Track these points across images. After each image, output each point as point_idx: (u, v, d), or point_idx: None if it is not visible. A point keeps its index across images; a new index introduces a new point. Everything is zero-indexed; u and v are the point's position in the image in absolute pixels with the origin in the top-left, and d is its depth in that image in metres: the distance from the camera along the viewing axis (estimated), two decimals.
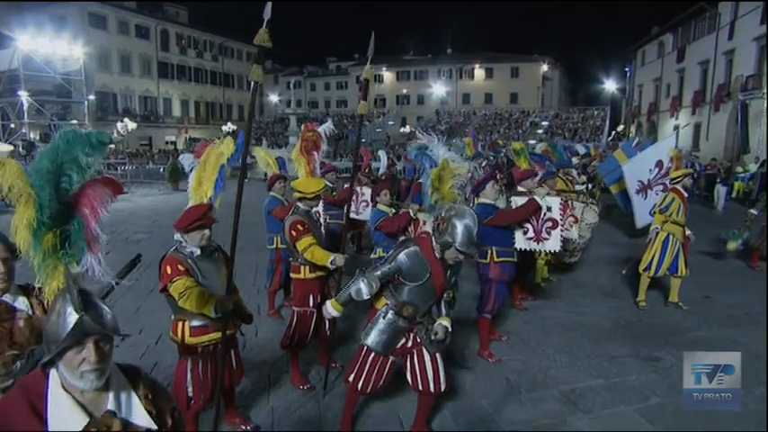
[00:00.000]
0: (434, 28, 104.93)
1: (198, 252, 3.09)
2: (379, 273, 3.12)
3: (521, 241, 4.76)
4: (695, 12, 32.21)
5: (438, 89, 51.52)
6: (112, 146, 38.08)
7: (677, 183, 5.94)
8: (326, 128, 4.44)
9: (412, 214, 5.01)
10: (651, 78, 40.02)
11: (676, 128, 35.03)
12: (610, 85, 41.78)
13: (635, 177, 9.52)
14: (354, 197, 7.14)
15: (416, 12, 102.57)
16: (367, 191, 7.01)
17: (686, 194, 5.91)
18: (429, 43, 76.31)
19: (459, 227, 3.02)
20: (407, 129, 49.35)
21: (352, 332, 5.15)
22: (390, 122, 49.09)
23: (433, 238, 3.14)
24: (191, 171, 3.30)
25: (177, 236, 3.13)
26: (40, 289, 1.80)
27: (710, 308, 6.37)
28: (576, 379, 4.47)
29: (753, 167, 17.45)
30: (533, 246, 4.74)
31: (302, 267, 4.17)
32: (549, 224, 4.59)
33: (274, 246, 5.81)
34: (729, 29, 28.78)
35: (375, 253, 5.29)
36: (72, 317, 1.46)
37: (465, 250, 3.02)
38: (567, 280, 7.48)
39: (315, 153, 4.29)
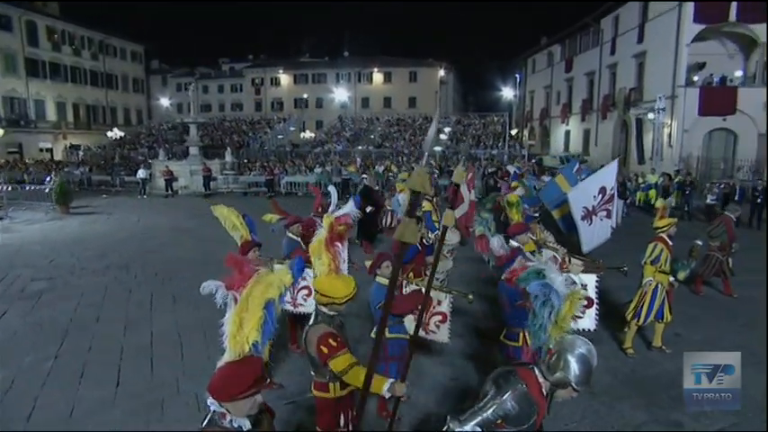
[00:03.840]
0: (330, 29, 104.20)
1: (247, 425, 2.28)
2: (479, 420, 2.58)
3: None
4: (581, 26, 34.78)
5: (339, 93, 51.04)
6: None
7: (663, 231, 5.98)
8: (353, 212, 3.81)
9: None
10: (542, 85, 42.68)
11: (567, 133, 37.87)
12: (507, 92, 43.88)
13: (580, 204, 9.66)
14: None
15: (311, 12, 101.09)
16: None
17: (671, 243, 5.97)
18: (325, 46, 75.50)
19: (575, 362, 2.57)
20: (308, 134, 48.35)
21: None
22: (291, 128, 47.79)
23: (537, 373, 2.65)
24: (226, 309, 2.51)
25: (212, 403, 2.26)
26: None
27: (686, 348, 6.50)
28: None
29: (651, 178, 18.97)
30: None
31: (331, 385, 3.45)
32: (584, 302, 4.30)
33: None
34: (611, 45, 31.42)
35: None
36: None
37: (582, 389, 2.58)
38: None
39: (339, 245, 3.62)
